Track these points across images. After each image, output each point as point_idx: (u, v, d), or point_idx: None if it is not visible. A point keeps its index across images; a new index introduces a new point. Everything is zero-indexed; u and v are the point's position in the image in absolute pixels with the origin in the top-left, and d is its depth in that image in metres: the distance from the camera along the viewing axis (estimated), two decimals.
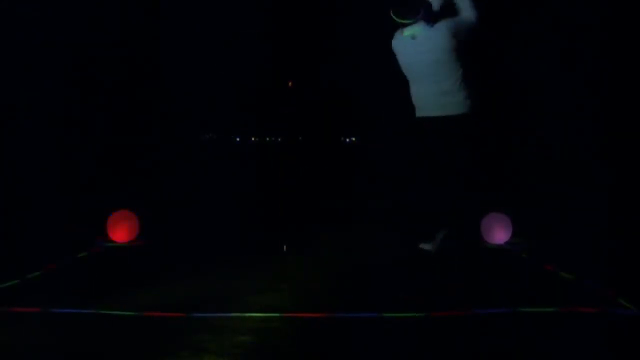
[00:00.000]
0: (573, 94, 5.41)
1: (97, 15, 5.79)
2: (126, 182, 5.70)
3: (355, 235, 5.23)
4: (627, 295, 3.21)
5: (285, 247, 4.59)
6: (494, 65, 5.26)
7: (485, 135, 5.00)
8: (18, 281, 3.58)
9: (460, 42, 4.05)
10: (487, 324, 2.96)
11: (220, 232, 5.21)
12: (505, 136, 5.78)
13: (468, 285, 3.61)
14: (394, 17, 4.07)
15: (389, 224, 5.53)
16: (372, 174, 7.37)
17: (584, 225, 4.58)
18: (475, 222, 4.68)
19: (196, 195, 6.52)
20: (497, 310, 3.09)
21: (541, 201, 5.23)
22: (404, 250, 4.45)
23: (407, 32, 4.12)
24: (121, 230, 4.71)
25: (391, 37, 4.27)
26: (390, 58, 4.32)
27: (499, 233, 4.65)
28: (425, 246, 4.30)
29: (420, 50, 4.09)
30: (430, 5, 4.05)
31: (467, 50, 4.12)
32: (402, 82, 4.37)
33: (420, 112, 4.29)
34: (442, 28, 4.03)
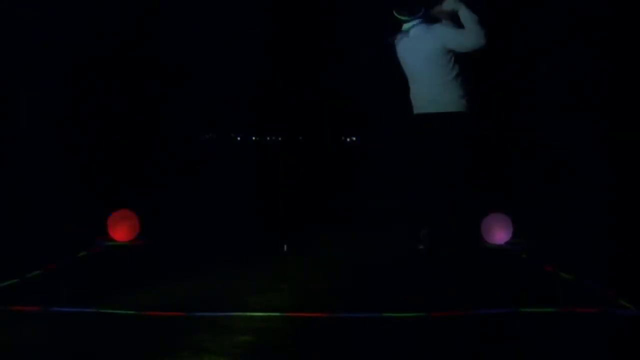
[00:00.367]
0: (573, 94, 5.41)
1: (97, 15, 5.79)
2: (126, 182, 5.70)
3: (355, 235, 5.23)
4: (627, 295, 3.21)
5: (285, 247, 4.58)
6: (493, 65, 5.26)
7: (485, 135, 5.01)
8: (18, 280, 3.58)
9: (451, 49, 4.13)
10: (487, 324, 2.95)
11: (220, 232, 5.21)
12: (505, 136, 5.78)
13: (468, 285, 3.61)
14: (395, 14, 4.21)
15: (389, 224, 5.54)
16: (373, 173, 7.36)
17: (584, 225, 4.58)
18: (475, 222, 4.69)
19: (196, 195, 6.51)
20: (497, 311, 3.09)
21: (541, 201, 5.23)
22: (404, 250, 4.46)
23: (406, 27, 4.25)
24: (121, 230, 4.72)
25: (391, 37, 4.34)
26: (390, 58, 4.39)
27: (499, 233, 4.65)
28: (421, 246, 4.33)
29: (415, 48, 4.21)
30: (430, 6, 4.14)
31: (464, 53, 4.16)
32: (402, 82, 4.41)
33: (417, 110, 4.36)
34: (437, 33, 4.13)
